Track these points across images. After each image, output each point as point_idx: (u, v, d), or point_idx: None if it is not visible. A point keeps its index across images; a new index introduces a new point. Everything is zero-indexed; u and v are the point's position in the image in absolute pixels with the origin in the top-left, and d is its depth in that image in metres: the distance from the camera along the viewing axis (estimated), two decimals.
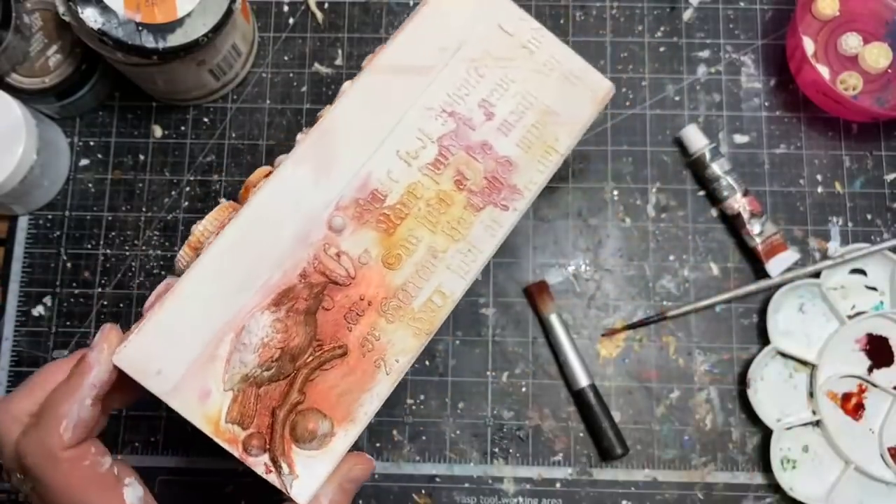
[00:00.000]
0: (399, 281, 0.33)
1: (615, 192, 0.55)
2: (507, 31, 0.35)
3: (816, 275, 0.52)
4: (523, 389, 0.52)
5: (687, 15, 0.57)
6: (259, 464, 0.30)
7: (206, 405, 0.30)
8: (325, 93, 0.56)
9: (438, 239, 0.33)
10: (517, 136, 0.35)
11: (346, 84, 0.35)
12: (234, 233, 0.31)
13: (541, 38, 0.36)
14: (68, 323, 0.53)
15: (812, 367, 0.51)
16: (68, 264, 0.54)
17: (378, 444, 0.51)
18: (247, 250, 0.31)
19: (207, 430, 0.30)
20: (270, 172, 0.35)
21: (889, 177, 0.55)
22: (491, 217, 0.34)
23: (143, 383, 0.29)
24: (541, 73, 0.35)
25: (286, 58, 0.57)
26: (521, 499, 0.51)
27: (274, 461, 0.30)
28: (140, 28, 0.44)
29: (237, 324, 0.31)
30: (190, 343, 0.30)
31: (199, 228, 0.33)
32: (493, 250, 0.34)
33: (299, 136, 0.35)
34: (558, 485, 0.51)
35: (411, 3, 0.58)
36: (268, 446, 0.30)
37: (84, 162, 0.56)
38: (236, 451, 0.30)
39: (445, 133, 0.34)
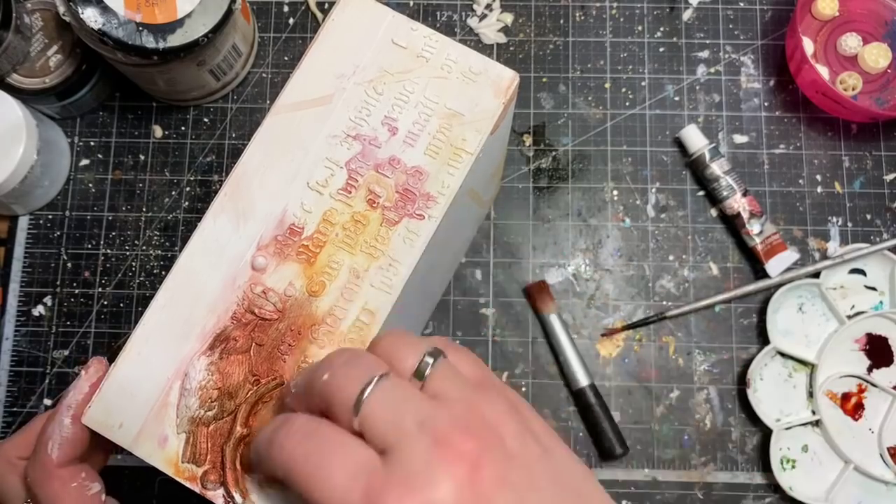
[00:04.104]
0: (326, 307, 0.34)
1: (615, 193, 0.55)
2: (400, 44, 0.36)
3: (816, 275, 0.52)
4: (523, 389, 0.52)
5: (687, 15, 0.58)
6: (218, 496, 0.32)
7: (165, 449, 0.32)
8: None
9: (358, 259, 0.34)
10: (424, 145, 0.35)
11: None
12: (168, 288, 0.34)
13: (434, 43, 0.36)
14: (68, 323, 0.53)
15: (811, 366, 0.51)
16: (68, 264, 0.54)
17: None
18: (183, 302, 0.33)
19: (169, 471, 0.32)
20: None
21: (888, 177, 0.55)
22: (407, 228, 0.35)
23: (109, 437, 0.32)
24: (440, 77, 0.36)
25: (286, 58, 0.57)
26: None
27: (228, 493, 0.32)
28: (140, 28, 0.45)
29: (181, 371, 0.33)
30: (144, 395, 0.33)
31: None
32: (415, 261, 0.34)
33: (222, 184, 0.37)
34: None
35: (411, 3, 0.58)
36: (222, 480, 0.32)
37: (84, 162, 0.56)
38: (196, 488, 0.32)
39: (352, 157, 0.35)
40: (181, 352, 0.33)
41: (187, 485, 0.32)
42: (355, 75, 0.35)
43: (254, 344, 0.33)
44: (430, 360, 0.26)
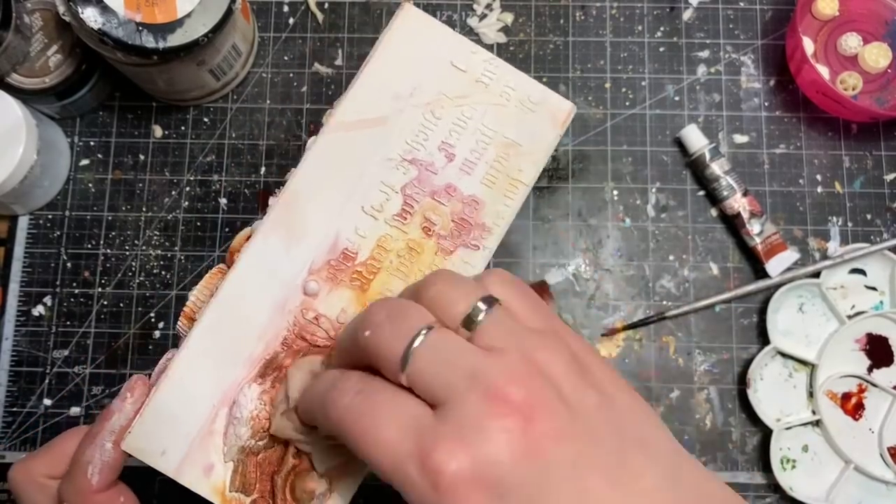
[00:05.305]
0: None
1: (615, 192, 0.55)
2: (460, 67, 0.35)
3: (816, 275, 0.52)
4: None
5: (687, 15, 0.57)
6: None
7: (211, 478, 0.31)
8: (325, 93, 0.56)
9: None
10: (481, 174, 0.34)
11: (310, 141, 0.35)
12: (215, 310, 0.32)
13: (494, 69, 0.35)
14: (68, 323, 0.53)
15: (812, 366, 0.51)
16: (68, 264, 0.54)
17: None
18: (230, 326, 0.32)
19: (216, 500, 0.31)
20: (251, 236, 0.35)
21: (889, 177, 0.55)
22: (462, 259, 0.34)
23: (152, 464, 0.31)
24: (498, 104, 0.35)
25: (286, 58, 0.57)
26: None
27: None
28: (140, 28, 0.45)
29: (229, 398, 0.32)
30: (188, 422, 0.31)
31: (191, 299, 0.34)
32: None
33: (271, 200, 0.35)
34: None
35: (411, 3, 0.58)
36: None
37: (84, 162, 0.56)
38: None
39: (408, 182, 0.34)
40: (227, 378, 0.32)
41: None
42: (413, 97, 0.34)
43: None
44: (483, 308, 0.24)
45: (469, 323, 0.24)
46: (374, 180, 0.34)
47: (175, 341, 0.53)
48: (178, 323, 0.35)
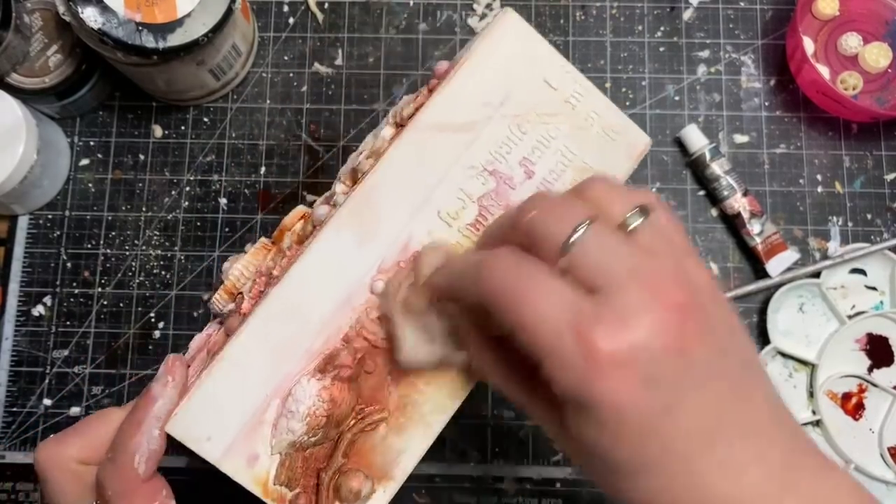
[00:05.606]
0: None
1: None
2: (552, 85, 0.34)
3: (816, 275, 0.52)
4: None
5: (687, 15, 0.57)
6: None
7: (254, 468, 0.31)
8: (325, 93, 0.56)
9: None
10: None
11: (386, 131, 0.34)
12: (279, 298, 0.31)
13: (583, 91, 0.34)
14: (68, 323, 0.53)
15: (812, 366, 0.51)
16: (68, 264, 0.54)
17: None
18: (291, 315, 0.31)
19: (257, 491, 0.31)
20: (305, 215, 0.34)
21: (889, 177, 0.55)
22: None
23: (195, 450, 0.30)
24: (581, 128, 0.34)
25: (286, 58, 0.57)
26: (521, 499, 0.51)
27: None
28: (140, 28, 0.45)
29: (283, 389, 0.31)
30: (238, 409, 0.30)
31: (234, 273, 0.33)
32: None
33: (339, 188, 0.34)
34: (558, 485, 0.51)
35: (411, 3, 0.58)
36: None
37: (84, 162, 0.56)
38: None
39: (486, 193, 0.33)
40: (283, 368, 0.31)
41: None
42: (502, 107, 0.33)
43: (363, 371, 0.32)
44: (639, 214, 0.26)
45: (626, 225, 0.26)
46: (452, 186, 0.33)
47: (174, 341, 0.53)
48: (216, 296, 0.34)
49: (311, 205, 0.38)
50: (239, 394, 0.30)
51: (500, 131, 0.33)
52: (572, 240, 0.24)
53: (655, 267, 0.24)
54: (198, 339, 0.34)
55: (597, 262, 0.24)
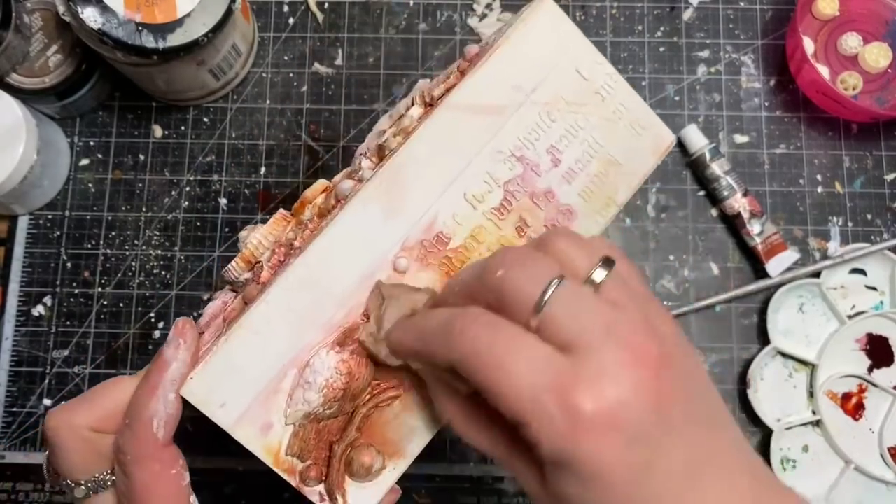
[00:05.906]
0: None
1: None
2: (584, 75, 0.34)
3: (816, 275, 0.52)
4: None
5: (687, 15, 0.57)
6: (314, 493, 0.31)
7: (267, 437, 0.30)
8: (325, 93, 0.56)
9: None
10: (580, 186, 0.34)
11: (415, 110, 0.34)
12: (302, 267, 0.31)
13: (614, 83, 0.35)
14: (68, 323, 0.53)
15: (812, 366, 0.51)
16: (68, 264, 0.54)
17: None
18: (313, 286, 0.31)
19: (268, 460, 0.31)
20: (328, 189, 0.34)
21: (889, 177, 0.55)
22: None
23: (209, 415, 0.30)
24: (609, 120, 0.34)
25: (286, 58, 0.57)
26: (521, 499, 0.51)
27: (330, 493, 0.31)
28: (140, 28, 0.45)
29: (301, 360, 0.31)
30: (254, 377, 0.30)
31: (252, 241, 0.33)
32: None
33: (365, 163, 0.34)
34: None
35: (411, 3, 0.58)
36: (324, 478, 0.31)
37: (84, 162, 0.56)
38: (294, 481, 0.31)
39: (512, 178, 0.33)
40: (303, 339, 0.31)
41: (284, 476, 0.31)
42: (534, 93, 0.33)
43: None
44: (603, 268, 0.26)
45: (592, 281, 0.26)
46: (479, 169, 0.33)
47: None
48: (232, 264, 0.34)
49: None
50: (257, 361, 0.30)
51: (529, 118, 0.33)
52: (545, 299, 0.24)
53: (626, 321, 0.25)
54: (212, 307, 0.34)
55: (570, 320, 0.24)
